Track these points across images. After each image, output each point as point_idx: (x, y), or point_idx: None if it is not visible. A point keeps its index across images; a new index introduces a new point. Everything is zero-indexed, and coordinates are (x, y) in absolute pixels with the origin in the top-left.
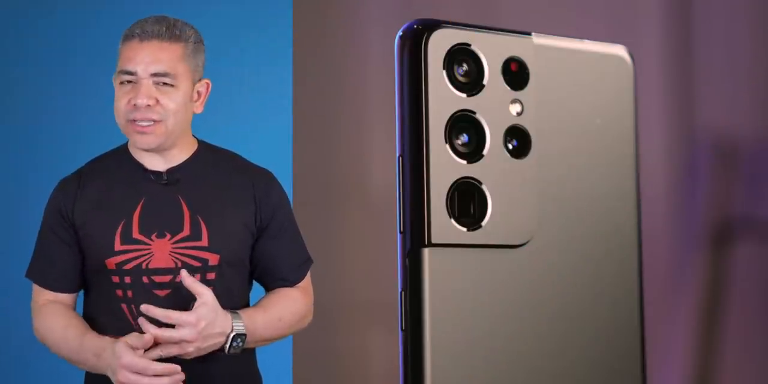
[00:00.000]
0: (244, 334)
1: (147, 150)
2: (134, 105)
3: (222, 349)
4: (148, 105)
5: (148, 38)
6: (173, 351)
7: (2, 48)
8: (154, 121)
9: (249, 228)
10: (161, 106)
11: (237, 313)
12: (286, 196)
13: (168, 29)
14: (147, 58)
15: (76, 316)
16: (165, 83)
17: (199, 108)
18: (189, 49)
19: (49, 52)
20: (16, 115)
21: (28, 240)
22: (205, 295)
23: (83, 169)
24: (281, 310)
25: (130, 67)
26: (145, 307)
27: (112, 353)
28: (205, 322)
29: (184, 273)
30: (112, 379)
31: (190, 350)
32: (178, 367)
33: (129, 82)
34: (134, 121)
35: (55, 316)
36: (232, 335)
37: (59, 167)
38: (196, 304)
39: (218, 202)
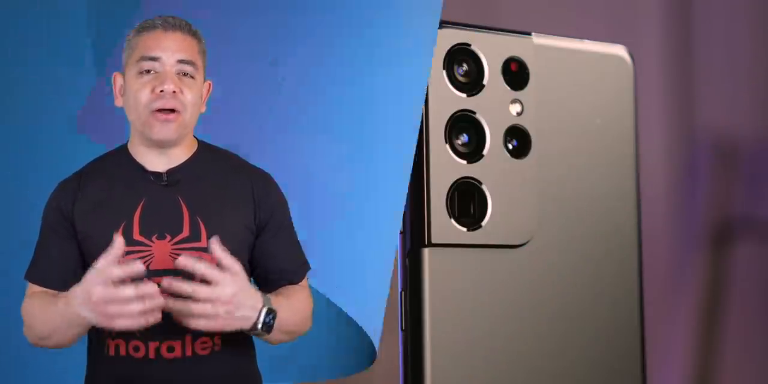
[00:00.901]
0: (275, 311)
1: (164, 142)
2: (161, 91)
3: (254, 326)
4: (174, 92)
5: (172, 29)
6: (206, 308)
7: (2, 48)
8: (175, 111)
9: (249, 228)
10: (183, 95)
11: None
12: (285, 198)
13: (188, 24)
14: (173, 46)
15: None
16: (186, 74)
17: (203, 106)
18: (203, 47)
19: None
20: (16, 115)
21: (28, 240)
22: (234, 267)
23: (83, 169)
24: (299, 302)
25: (154, 53)
26: (167, 282)
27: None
28: (238, 288)
29: (214, 241)
30: (83, 312)
31: (221, 312)
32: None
33: (149, 71)
34: (158, 110)
35: (36, 297)
36: (264, 310)
37: (59, 167)
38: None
39: (217, 202)
